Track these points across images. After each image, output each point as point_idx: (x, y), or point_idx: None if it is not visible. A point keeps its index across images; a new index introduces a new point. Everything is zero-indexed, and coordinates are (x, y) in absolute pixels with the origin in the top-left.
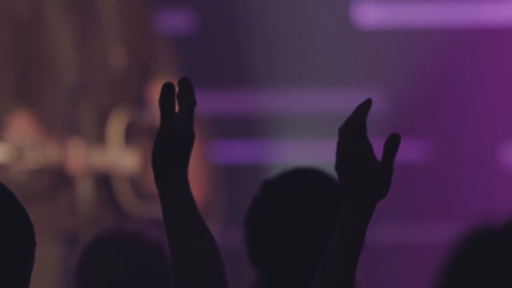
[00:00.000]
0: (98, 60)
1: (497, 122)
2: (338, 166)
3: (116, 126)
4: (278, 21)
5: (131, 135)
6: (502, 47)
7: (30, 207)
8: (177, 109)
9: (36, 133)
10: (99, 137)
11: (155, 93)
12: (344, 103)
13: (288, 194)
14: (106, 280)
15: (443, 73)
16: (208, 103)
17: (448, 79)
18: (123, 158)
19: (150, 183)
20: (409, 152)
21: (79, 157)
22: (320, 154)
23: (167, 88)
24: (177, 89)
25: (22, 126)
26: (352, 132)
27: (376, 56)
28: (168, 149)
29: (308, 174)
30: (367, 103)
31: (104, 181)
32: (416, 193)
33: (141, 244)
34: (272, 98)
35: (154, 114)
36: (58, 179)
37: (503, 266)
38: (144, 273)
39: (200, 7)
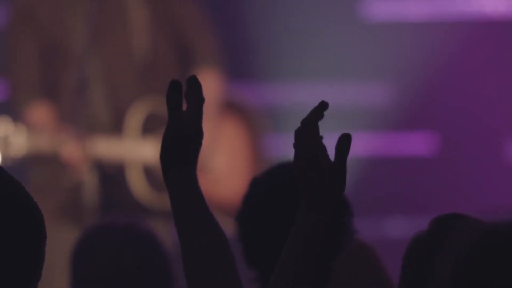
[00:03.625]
0: (120, 50)
1: (502, 116)
2: (296, 167)
3: (135, 116)
4: (285, 15)
5: (152, 125)
6: (509, 39)
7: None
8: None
9: (50, 123)
10: (118, 127)
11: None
12: (351, 96)
13: (273, 190)
14: (105, 271)
15: (449, 67)
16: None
17: (454, 73)
18: (139, 148)
19: None
20: (414, 145)
21: (76, 147)
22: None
23: (174, 85)
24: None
25: (38, 116)
26: (308, 134)
27: (382, 50)
28: (175, 146)
29: (292, 168)
30: (322, 106)
31: (117, 171)
32: (421, 186)
33: (135, 234)
34: (277, 92)
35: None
36: (60, 170)
37: (508, 263)
38: (140, 263)
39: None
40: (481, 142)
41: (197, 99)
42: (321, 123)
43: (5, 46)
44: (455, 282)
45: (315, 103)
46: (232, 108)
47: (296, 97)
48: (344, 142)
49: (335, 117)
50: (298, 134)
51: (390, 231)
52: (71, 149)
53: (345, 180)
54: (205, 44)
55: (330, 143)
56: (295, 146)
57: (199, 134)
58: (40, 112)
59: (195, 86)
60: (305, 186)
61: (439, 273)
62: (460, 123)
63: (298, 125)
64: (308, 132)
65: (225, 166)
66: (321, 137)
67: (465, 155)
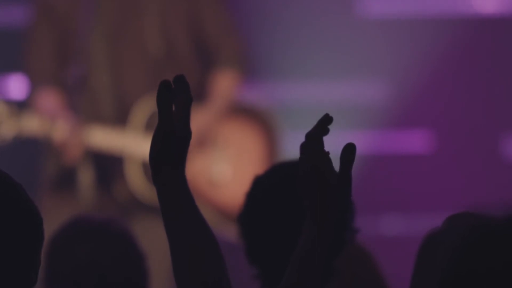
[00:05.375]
0: (134, 44)
1: (499, 113)
2: (300, 181)
3: (141, 111)
4: (281, 12)
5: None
6: (506, 37)
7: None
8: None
9: (56, 109)
10: (122, 120)
11: (211, 84)
12: (347, 94)
13: (275, 188)
14: (76, 270)
15: (446, 63)
16: None
17: (452, 70)
18: (141, 143)
19: None
20: (411, 143)
21: (72, 134)
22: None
23: (164, 87)
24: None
25: (45, 102)
26: (313, 147)
27: (379, 47)
28: (166, 146)
29: (294, 166)
30: (326, 119)
31: (116, 163)
32: (418, 184)
33: (111, 231)
34: (274, 90)
35: (204, 104)
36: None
37: (500, 258)
38: (114, 260)
39: None
40: (478, 139)
41: (185, 99)
42: (315, 122)
43: (24, 35)
44: (443, 280)
45: (312, 101)
46: (248, 114)
47: (292, 95)
48: (348, 152)
49: (330, 114)
50: (303, 147)
51: (386, 228)
52: (65, 135)
53: (350, 191)
54: (227, 45)
55: (328, 141)
56: (300, 159)
57: (188, 135)
58: (48, 99)
59: (182, 85)
60: (309, 198)
61: (433, 270)
62: (457, 120)
63: (294, 123)
64: (312, 145)
65: (233, 172)
66: (327, 152)
67: (462, 153)
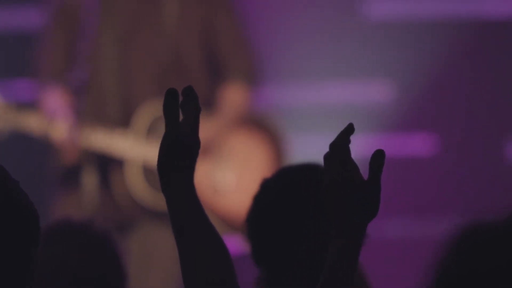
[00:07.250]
0: (145, 47)
1: (503, 116)
2: (326, 191)
3: (145, 115)
4: (283, 14)
5: (160, 128)
6: (510, 40)
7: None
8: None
9: (61, 108)
10: (125, 122)
11: (221, 97)
12: (350, 97)
13: (282, 191)
14: (49, 269)
15: (450, 66)
16: None
17: (455, 73)
18: (142, 147)
19: None
20: (415, 146)
21: (72, 133)
22: (327, 148)
23: (171, 95)
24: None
25: (48, 99)
26: (338, 156)
27: (383, 49)
28: (173, 155)
29: (301, 169)
30: (350, 128)
31: (116, 165)
32: (421, 187)
33: (89, 235)
34: (277, 94)
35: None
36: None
37: (496, 261)
38: (87, 263)
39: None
40: (482, 143)
41: (194, 109)
42: (321, 124)
43: (38, 35)
44: (445, 278)
45: (315, 104)
46: (253, 121)
47: (295, 98)
48: (378, 158)
49: (334, 117)
50: (327, 157)
51: (389, 231)
52: (63, 135)
53: (379, 200)
54: (238, 58)
55: (327, 144)
56: (324, 170)
57: (196, 144)
58: (52, 97)
59: (191, 96)
60: (333, 211)
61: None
62: (460, 123)
63: (297, 127)
64: (336, 155)
65: (237, 180)
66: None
67: (465, 156)
